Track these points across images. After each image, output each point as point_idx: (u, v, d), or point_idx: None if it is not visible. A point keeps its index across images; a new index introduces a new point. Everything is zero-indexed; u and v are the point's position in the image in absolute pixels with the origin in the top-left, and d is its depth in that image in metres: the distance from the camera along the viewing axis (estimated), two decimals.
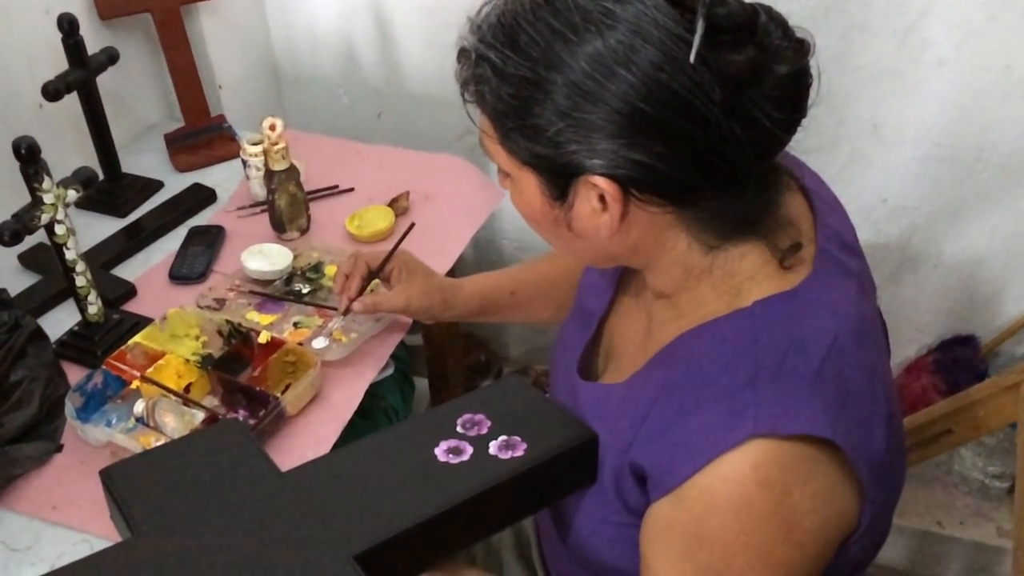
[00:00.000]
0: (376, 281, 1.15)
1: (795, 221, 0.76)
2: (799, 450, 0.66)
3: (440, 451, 0.78)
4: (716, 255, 0.74)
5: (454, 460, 0.77)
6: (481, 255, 1.90)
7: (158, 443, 1.04)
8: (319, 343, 1.17)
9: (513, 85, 0.68)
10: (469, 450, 0.78)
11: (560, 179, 0.71)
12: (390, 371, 1.46)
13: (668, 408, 0.72)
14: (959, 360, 1.58)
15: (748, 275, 0.74)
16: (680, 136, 0.65)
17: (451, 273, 1.48)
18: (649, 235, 0.73)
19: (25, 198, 1.08)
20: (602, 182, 0.68)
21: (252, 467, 0.78)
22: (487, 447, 0.78)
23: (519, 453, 0.77)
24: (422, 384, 1.70)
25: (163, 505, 0.74)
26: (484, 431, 0.80)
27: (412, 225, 1.18)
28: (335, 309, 1.23)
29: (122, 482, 0.77)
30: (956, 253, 1.50)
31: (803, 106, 0.70)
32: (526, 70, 0.67)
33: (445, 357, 1.62)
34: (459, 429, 0.80)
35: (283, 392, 1.09)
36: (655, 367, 0.77)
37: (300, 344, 1.16)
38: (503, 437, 0.79)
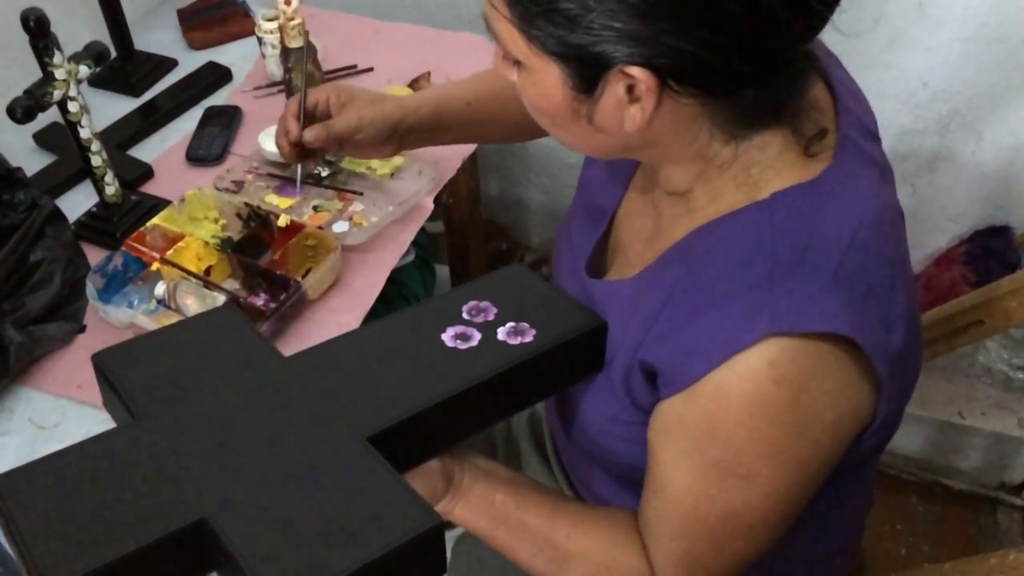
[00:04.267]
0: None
1: (818, 106, 0.72)
2: (817, 348, 0.64)
3: (447, 337, 0.76)
4: (739, 144, 0.70)
5: (463, 346, 0.76)
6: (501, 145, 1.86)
7: None
8: (339, 227, 1.16)
9: None
10: (477, 336, 0.76)
11: (591, 70, 0.64)
12: (411, 258, 1.45)
13: (682, 307, 0.70)
14: (991, 251, 1.55)
15: (768, 164, 0.70)
16: (728, 19, 0.60)
17: (474, 159, 1.45)
18: (671, 128, 0.68)
19: (36, 76, 1.05)
20: (639, 72, 0.63)
21: (253, 351, 0.76)
22: (495, 333, 0.77)
23: (528, 339, 0.76)
24: (443, 271, 1.69)
25: (164, 389, 0.72)
26: (491, 318, 0.78)
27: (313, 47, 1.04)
28: (356, 192, 1.21)
29: (118, 366, 0.74)
30: (996, 140, 1.45)
31: None
32: None
33: (466, 244, 1.60)
34: (465, 316, 0.79)
35: (304, 276, 1.08)
36: (667, 264, 0.74)
37: (320, 228, 1.14)
38: (511, 323, 0.77)
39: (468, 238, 1.59)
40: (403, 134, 1.00)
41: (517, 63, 0.69)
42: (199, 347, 0.77)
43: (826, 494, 0.74)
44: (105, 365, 0.75)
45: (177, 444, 0.68)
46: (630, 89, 0.64)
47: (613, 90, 0.65)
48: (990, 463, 1.70)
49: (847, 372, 0.66)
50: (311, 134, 0.97)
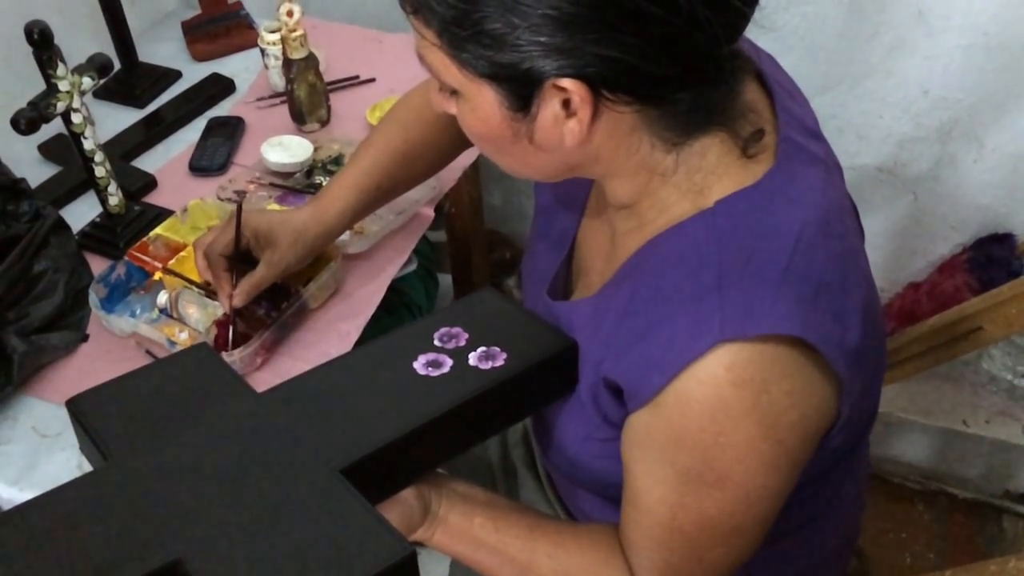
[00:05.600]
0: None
1: (755, 107, 0.72)
2: (772, 350, 0.64)
3: (419, 365, 0.77)
4: (679, 152, 0.70)
5: (434, 373, 0.76)
6: None
7: (182, 334, 1.04)
8: (341, 236, 1.16)
9: None
10: (449, 362, 0.77)
11: (524, 87, 0.64)
12: (412, 267, 1.45)
13: (636, 321, 0.70)
14: (994, 258, 1.54)
15: (711, 170, 0.70)
16: (650, 23, 0.60)
17: (475, 168, 1.45)
18: (611, 140, 0.69)
19: (40, 87, 1.06)
20: (571, 84, 0.63)
21: (226, 389, 0.77)
22: (466, 358, 0.77)
23: (499, 363, 0.76)
24: (446, 281, 1.69)
25: (136, 430, 0.72)
26: (462, 343, 0.78)
27: (241, 199, 1.06)
28: None
29: (90, 410, 0.75)
30: (998, 147, 1.45)
31: None
32: None
33: (469, 254, 1.60)
34: (437, 343, 0.79)
35: (304, 285, 1.09)
36: (623, 279, 0.75)
37: None
38: (482, 348, 0.78)
39: (471, 248, 1.60)
40: (325, 245, 1.04)
41: (453, 92, 0.69)
42: (171, 388, 0.78)
43: (814, 495, 0.74)
44: (78, 409, 0.75)
45: (151, 486, 0.68)
46: (566, 104, 0.65)
47: (549, 106, 0.65)
48: (995, 471, 1.70)
49: (805, 372, 0.66)
50: (239, 299, 0.99)
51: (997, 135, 1.44)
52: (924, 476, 1.74)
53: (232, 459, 0.70)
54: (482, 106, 0.67)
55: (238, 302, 0.99)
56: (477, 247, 1.62)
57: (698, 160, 0.70)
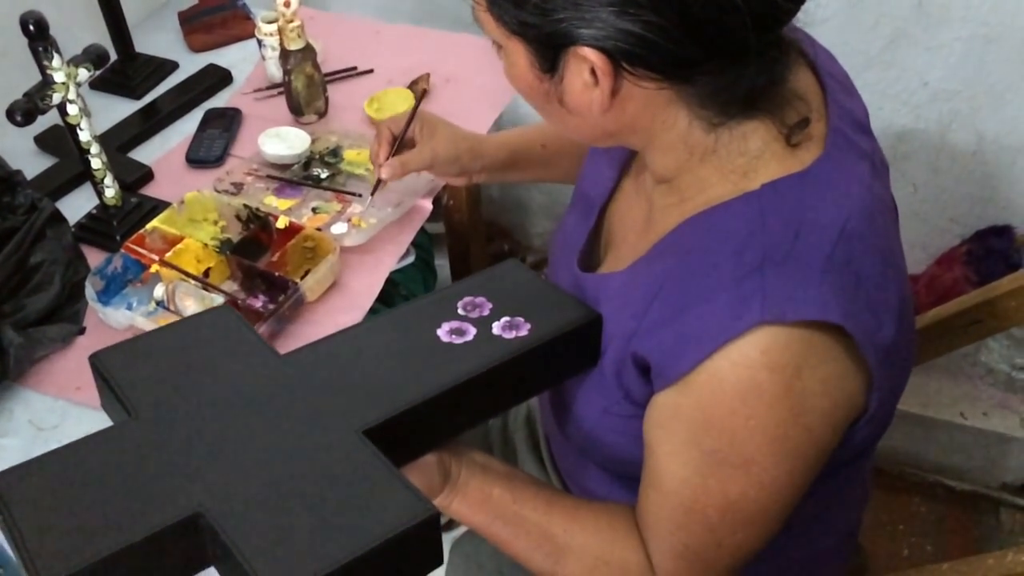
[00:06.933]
0: None
1: (804, 96, 0.72)
2: (809, 336, 0.64)
3: (443, 332, 0.77)
4: (720, 133, 0.70)
5: (458, 340, 0.76)
6: None
7: None
8: (338, 228, 1.16)
9: None
10: (472, 331, 0.77)
11: (548, 50, 0.67)
12: (411, 259, 1.45)
13: (673, 298, 0.70)
14: (993, 250, 1.54)
15: (755, 154, 0.70)
16: (674, 4, 0.61)
17: None
18: (646, 112, 0.70)
19: (36, 78, 1.05)
20: (591, 54, 0.65)
21: (249, 350, 0.77)
22: (490, 327, 0.77)
23: (523, 333, 0.76)
24: (444, 273, 1.69)
25: (160, 387, 0.73)
26: (486, 313, 0.79)
27: (425, 91, 1.12)
28: (354, 194, 1.21)
29: (115, 366, 0.75)
30: (997, 139, 1.44)
31: None
32: None
33: (467, 245, 1.60)
34: (460, 311, 0.79)
35: (302, 278, 1.08)
36: (658, 255, 0.75)
37: (319, 229, 1.15)
38: (506, 318, 0.78)
39: (469, 239, 1.59)
40: (475, 172, 1.08)
41: (500, 46, 0.72)
42: (195, 346, 0.78)
43: (823, 489, 0.74)
44: (103, 365, 0.75)
45: (173, 440, 0.68)
46: (593, 72, 0.66)
47: (576, 72, 0.67)
48: (992, 463, 1.70)
49: (839, 361, 0.67)
50: (387, 171, 1.04)
51: (996, 127, 1.43)
52: (922, 468, 1.75)
53: (255, 416, 0.70)
54: (518, 62, 0.71)
55: (385, 173, 1.04)
56: (475, 239, 1.61)
57: (740, 143, 0.70)
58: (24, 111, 1.03)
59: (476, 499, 0.79)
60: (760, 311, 0.64)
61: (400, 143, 1.05)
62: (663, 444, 0.72)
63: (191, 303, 1.07)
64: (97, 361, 0.76)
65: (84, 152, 1.12)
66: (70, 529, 0.61)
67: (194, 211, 1.17)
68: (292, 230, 1.13)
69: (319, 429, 0.68)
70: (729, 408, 0.66)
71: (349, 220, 1.17)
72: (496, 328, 0.77)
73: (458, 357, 0.75)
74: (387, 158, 1.05)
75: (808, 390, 0.65)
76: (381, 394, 0.71)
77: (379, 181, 1.07)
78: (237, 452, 0.67)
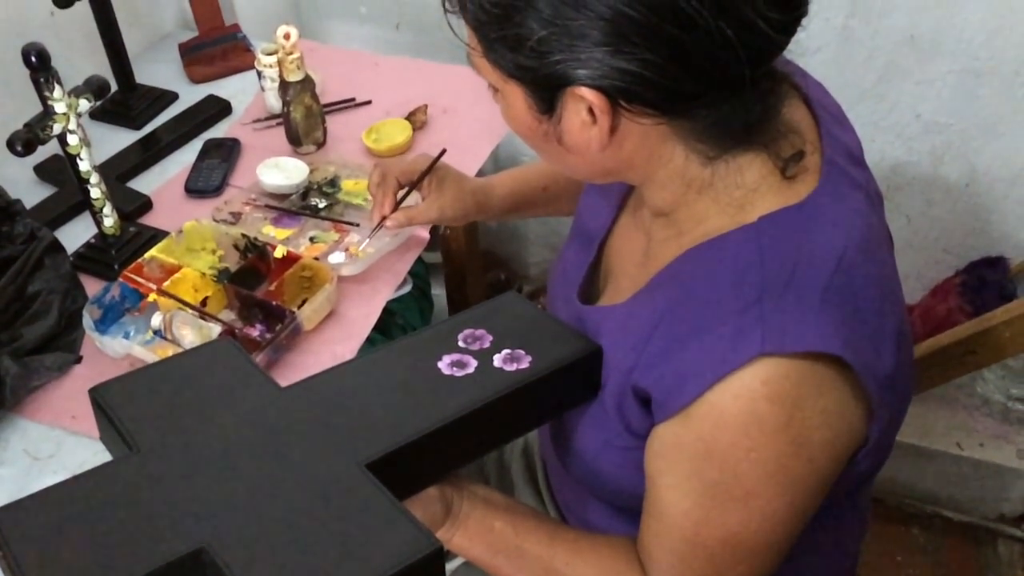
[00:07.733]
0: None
1: (798, 129, 0.73)
2: (810, 367, 0.65)
3: (444, 364, 0.77)
4: (716, 167, 0.71)
5: (459, 373, 0.76)
6: (501, 170, 1.87)
7: None
8: (335, 258, 1.16)
9: None
10: (473, 363, 0.77)
11: (546, 91, 0.68)
12: (408, 288, 1.45)
13: (672, 330, 0.70)
14: (987, 282, 1.55)
15: (752, 187, 0.71)
16: (668, 41, 0.61)
17: None
18: (643, 148, 0.70)
19: (37, 108, 1.06)
20: (589, 94, 0.65)
21: (250, 382, 0.76)
22: (491, 360, 0.77)
23: (524, 365, 0.76)
24: (441, 302, 1.70)
25: (161, 420, 0.72)
26: (486, 345, 0.79)
27: (443, 151, 1.14)
28: (352, 224, 1.22)
29: (115, 399, 0.74)
30: (990, 171, 1.46)
31: (801, 2, 0.65)
32: None
33: (464, 275, 1.61)
34: (461, 344, 0.79)
35: (299, 307, 1.09)
36: (657, 288, 0.75)
37: (316, 259, 1.15)
38: (507, 350, 0.78)
39: (466, 269, 1.60)
40: (477, 217, 1.13)
41: (496, 90, 0.73)
42: (197, 379, 0.78)
43: (822, 520, 0.74)
44: (103, 398, 0.75)
45: (175, 474, 0.68)
46: (590, 111, 0.67)
47: (574, 111, 0.68)
48: (989, 495, 1.69)
49: (840, 391, 0.67)
50: (393, 222, 1.08)
51: (989, 159, 1.45)
52: (919, 499, 1.74)
53: (257, 450, 0.70)
54: (515, 105, 0.71)
55: (390, 223, 1.08)
56: (472, 268, 1.62)
57: (736, 176, 0.71)
58: (24, 141, 1.03)
59: (478, 532, 0.79)
60: (760, 343, 0.64)
61: (407, 194, 1.09)
62: (664, 476, 0.72)
63: (188, 332, 1.07)
64: (97, 394, 0.75)
65: (83, 182, 1.13)
66: (72, 565, 0.61)
67: (192, 240, 1.18)
68: (289, 259, 1.14)
69: (321, 462, 0.68)
70: (730, 440, 0.66)
71: (347, 250, 1.18)
72: (497, 360, 0.77)
73: (460, 390, 0.75)
74: (392, 209, 1.08)
75: (809, 421, 0.66)
76: (383, 427, 0.71)
77: (380, 224, 1.09)
78: (240, 486, 0.67)
